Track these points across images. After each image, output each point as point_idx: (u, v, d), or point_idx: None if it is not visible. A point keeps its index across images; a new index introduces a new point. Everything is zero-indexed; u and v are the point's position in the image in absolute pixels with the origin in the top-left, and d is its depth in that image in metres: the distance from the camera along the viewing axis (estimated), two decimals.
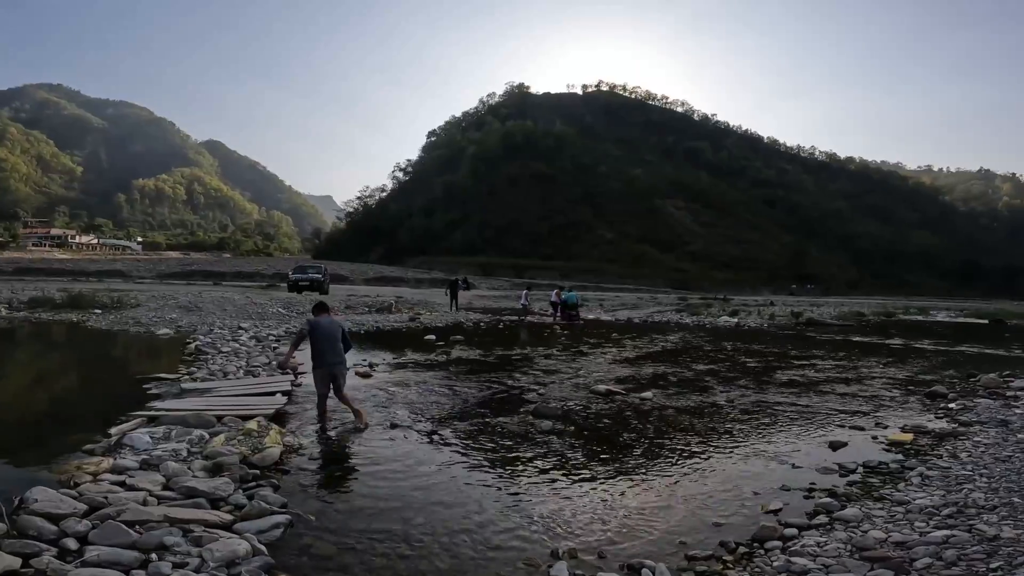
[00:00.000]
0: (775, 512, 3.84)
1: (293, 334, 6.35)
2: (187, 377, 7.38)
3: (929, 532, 3.35)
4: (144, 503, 3.49)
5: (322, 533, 3.43)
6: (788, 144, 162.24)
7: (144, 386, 6.97)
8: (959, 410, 7.16)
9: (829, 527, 3.53)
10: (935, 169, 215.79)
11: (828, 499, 3.98)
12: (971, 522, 3.45)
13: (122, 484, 3.76)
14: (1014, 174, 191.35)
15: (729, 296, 48.89)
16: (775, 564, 3.05)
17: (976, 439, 5.60)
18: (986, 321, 28.40)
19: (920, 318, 31.58)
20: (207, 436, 4.64)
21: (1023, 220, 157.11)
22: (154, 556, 2.91)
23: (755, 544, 3.34)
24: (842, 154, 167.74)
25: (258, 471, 4.13)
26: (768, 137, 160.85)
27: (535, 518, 3.70)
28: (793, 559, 3.09)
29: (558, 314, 21.29)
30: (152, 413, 5.20)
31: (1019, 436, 5.56)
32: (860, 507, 3.82)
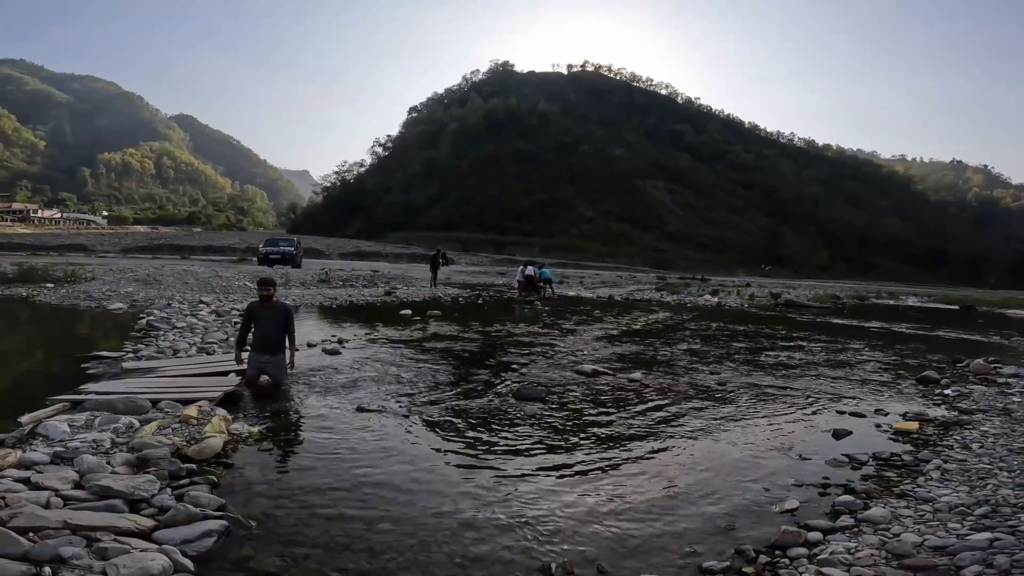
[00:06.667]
0: (791, 512, 3.39)
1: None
2: (130, 355, 6.63)
3: (968, 535, 2.94)
4: (47, 505, 2.88)
5: (266, 542, 2.85)
6: (768, 129, 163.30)
7: (83, 365, 6.24)
8: (956, 397, 6.87)
9: (856, 530, 3.10)
10: (909, 159, 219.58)
11: (848, 497, 3.55)
12: (1010, 523, 3.06)
13: (26, 482, 3.13)
14: (985, 166, 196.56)
15: (707, 276, 49.14)
16: None
17: (983, 428, 5.28)
18: (956, 307, 28.84)
19: (892, 302, 31.97)
20: (137, 424, 3.98)
21: (991, 210, 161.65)
22: (47, 570, 2.35)
23: (776, 551, 2.88)
24: (820, 141, 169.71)
25: (194, 465, 3.49)
26: (749, 122, 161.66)
27: (521, 522, 3.17)
28: (824, 569, 2.64)
29: (523, 290, 21.09)
30: (77, 397, 4.50)
31: None
32: (885, 506, 3.41)
